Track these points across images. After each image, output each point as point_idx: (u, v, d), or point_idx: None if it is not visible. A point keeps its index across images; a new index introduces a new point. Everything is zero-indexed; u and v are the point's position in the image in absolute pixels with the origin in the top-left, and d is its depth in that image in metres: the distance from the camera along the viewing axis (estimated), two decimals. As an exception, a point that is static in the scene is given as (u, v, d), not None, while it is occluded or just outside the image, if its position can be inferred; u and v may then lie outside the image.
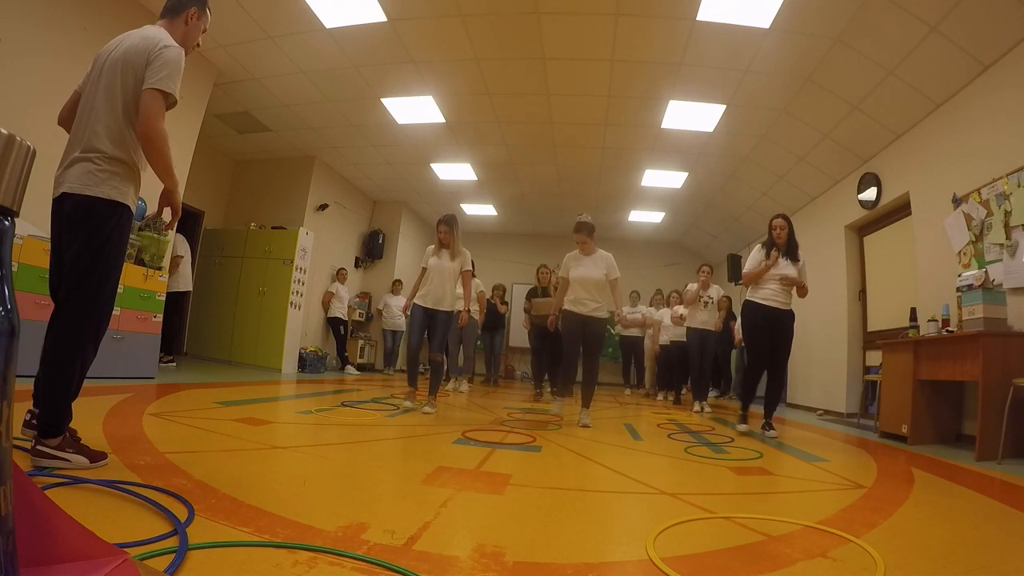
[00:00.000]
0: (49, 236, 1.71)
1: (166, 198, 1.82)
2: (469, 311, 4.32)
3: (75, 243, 1.64)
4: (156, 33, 1.78)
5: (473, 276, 6.47)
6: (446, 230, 4.01)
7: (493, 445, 2.70)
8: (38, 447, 1.58)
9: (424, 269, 4.00)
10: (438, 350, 3.91)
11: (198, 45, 1.99)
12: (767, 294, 3.76)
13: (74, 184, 1.64)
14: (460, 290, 6.35)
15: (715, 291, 5.79)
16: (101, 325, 1.70)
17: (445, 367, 6.39)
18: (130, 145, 1.71)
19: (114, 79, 1.71)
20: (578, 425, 3.64)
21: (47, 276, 1.73)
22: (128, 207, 1.72)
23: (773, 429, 3.67)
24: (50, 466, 1.54)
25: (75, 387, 1.67)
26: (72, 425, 1.66)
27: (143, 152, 1.73)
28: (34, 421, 1.62)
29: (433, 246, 4.07)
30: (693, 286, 5.79)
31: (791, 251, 3.79)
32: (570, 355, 3.93)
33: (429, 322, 3.88)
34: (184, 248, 5.96)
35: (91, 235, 1.64)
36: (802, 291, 3.78)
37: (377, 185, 8.99)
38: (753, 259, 3.88)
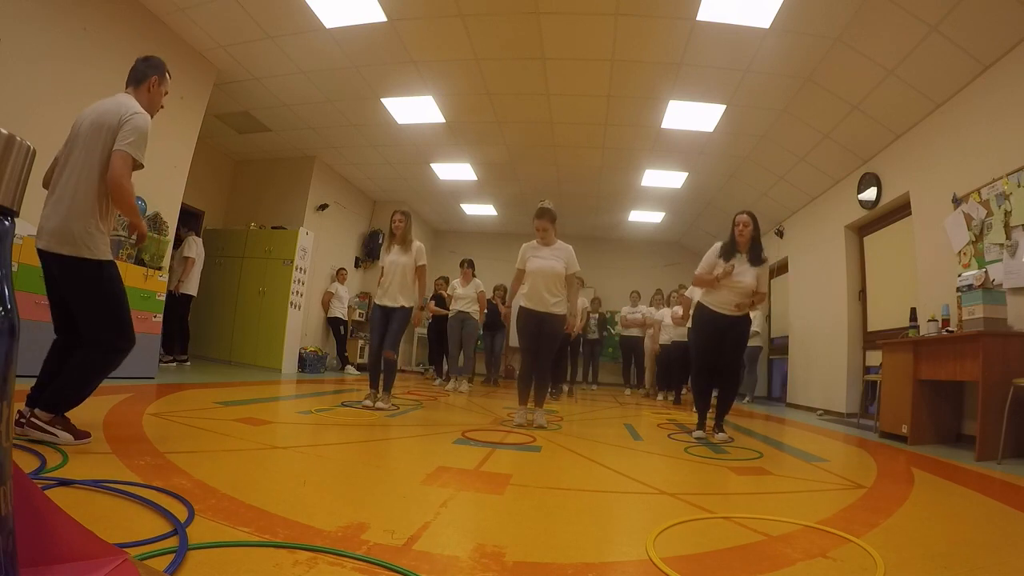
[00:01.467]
0: None
1: (132, 228, 2.14)
2: (423, 307, 4.17)
3: (78, 297, 1.94)
4: (127, 100, 2.03)
5: (473, 275, 6.47)
6: (401, 219, 3.89)
7: (493, 445, 2.70)
8: (32, 419, 1.78)
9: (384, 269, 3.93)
10: (392, 347, 3.77)
11: (162, 107, 2.24)
12: (720, 301, 3.42)
13: (60, 241, 1.88)
14: (466, 292, 6.20)
15: None
16: (126, 352, 2.03)
17: (452, 367, 6.40)
18: (104, 211, 1.96)
19: (89, 140, 1.93)
20: (532, 426, 3.43)
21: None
22: (105, 261, 1.97)
23: (723, 432, 3.40)
24: (41, 439, 1.76)
25: (85, 394, 1.96)
26: (73, 425, 1.85)
27: (112, 200, 1.97)
28: (22, 419, 1.80)
29: (386, 244, 3.98)
30: (695, 292, 5.75)
31: (753, 252, 3.40)
32: (526, 357, 3.64)
33: (387, 320, 3.81)
34: (194, 250, 5.98)
35: (91, 290, 1.94)
36: (759, 298, 3.39)
37: (377, 185, 8.99)
38: (708, 260, 3.49)
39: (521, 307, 3.65)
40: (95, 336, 1.94)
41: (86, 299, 1.93)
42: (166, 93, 2.22)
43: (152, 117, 2.09)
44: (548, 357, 3.67)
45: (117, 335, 1.98)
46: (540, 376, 3.67)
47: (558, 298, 3.57)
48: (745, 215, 3.44)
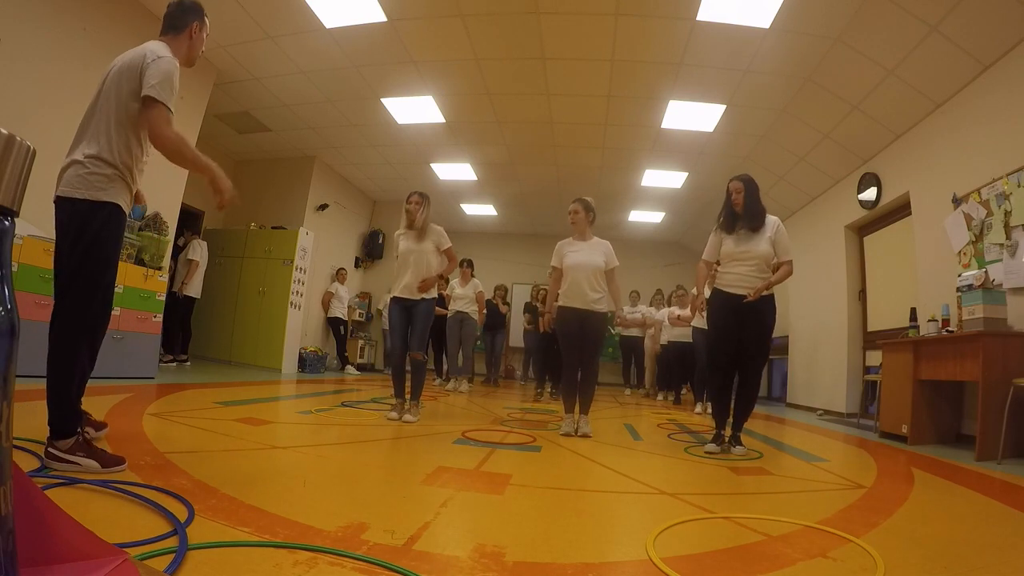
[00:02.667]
0: (49, 236, 1.69)
1: (211, 185, 1.87)
2: (446, 301, 3.71)
3: (64, 245, 1.67)
4: (153, 46, 1.81)
5: (472, 275, 6.45)
6: (419, 200, 3.45)
7: (493, 445, 2.70)
8: (49, 449, 1.58)
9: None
10: (419, 347, 3.43)
11: (202, 52, 2.05)
12: (732, 279, 3.00)
13: (63, 188, 1.69)
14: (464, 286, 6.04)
15: None
16: (97, 329, 1.72)
17: (451, 367, 6.39)
18: (118, 148, 1.74)
19: (110, 89, 1.76)
20: (576, 435, 3.21)
21: (48, 276, 1.73)
22: (116, 205, 1.73)
23: (742, 445, 2.93)
24: (62, 468, 1.53)
25: (75, 390, 1.68)
26: (99, 449, 1.63)
27: (170, 160, 1.82)
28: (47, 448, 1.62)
29: (400, 231, 3.53)
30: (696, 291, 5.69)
31: (754, 219, 3.00)
32: (570, 360, 3.38)
33: (409, 316, 3.42)
34: (198, 253, 6.00)
35: (78, 236, 1.66)
36: (785, 271, 2.97)
37: (377, 185, 8.99)
38: (711, 243, 3.17)
39: (560, 306, 3.40)
40: (69, 286, 1.66)
41: (76, 239, 1.66)
42: (206, 36, 2.04)
43: (193, 63, 2.01)
44: (594, 358, 3.44)
45: (88, 276, 1.67)
46: (587, 380, 3.41)
47: (600, 294, 3.34)
48: (737, 181, 3.06)
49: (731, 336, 2.98)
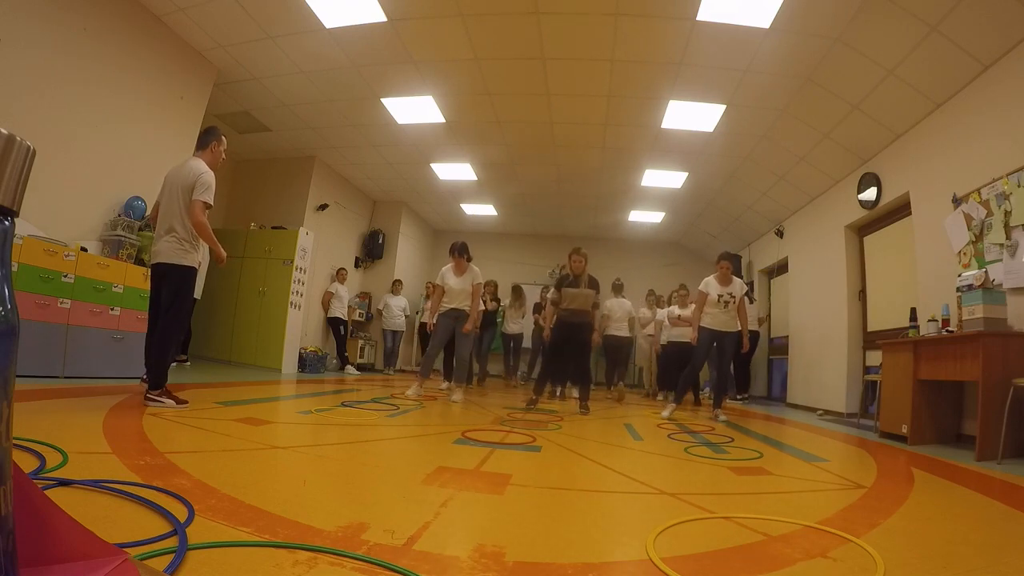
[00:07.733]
0: (52, 238, 2.18)
1: (215, 254, 3.10)
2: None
3: (169, 290, 2.96)
4: (196, 164, 3.00)
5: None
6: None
7: (493, 445, 2.70)
8: (148, 394, 2.82)
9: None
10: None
11: (224, 159, 3.19)
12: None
13: (167, 256, 2.94)
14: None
15: (738, 287, 4.79)
16: (183, 329, 3.15)
17: (423, 368, 6.37)
18: (189, 230, 2.97)
19: (177, 194, 2.96)
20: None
21: (48, 276, 1.93)
22: (194, 267, 3.01)
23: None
24: (154, 406, 2.76)
25: (169, 361, 2.99)
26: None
27: (196, 233, 3.01)
28: (144, 382, 2.98)
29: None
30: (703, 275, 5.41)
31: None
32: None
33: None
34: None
35: (178, 285, 2.97)
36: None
37: (377, 185, 8.99)
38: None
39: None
40: (168, 310, 2.94)
41: (174, 287, 2.96)
42: (224, 150, 3.18)
43: (217, 168, 3.10)
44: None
45: (181, 306, 2.99)
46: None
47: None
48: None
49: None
